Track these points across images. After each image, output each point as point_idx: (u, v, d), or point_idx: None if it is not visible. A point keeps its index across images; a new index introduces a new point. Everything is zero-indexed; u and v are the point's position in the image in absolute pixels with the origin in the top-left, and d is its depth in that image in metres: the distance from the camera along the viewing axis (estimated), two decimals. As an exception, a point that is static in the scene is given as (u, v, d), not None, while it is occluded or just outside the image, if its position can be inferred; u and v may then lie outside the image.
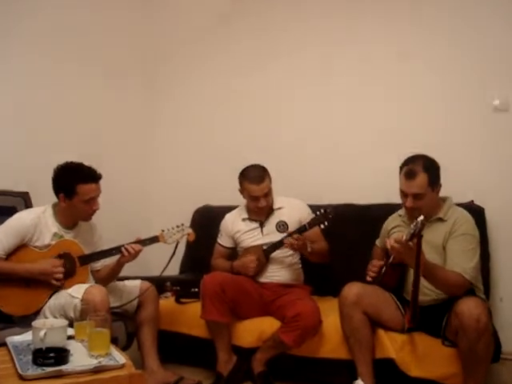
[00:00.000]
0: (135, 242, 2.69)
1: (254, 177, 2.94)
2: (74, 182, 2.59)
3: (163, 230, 2.75)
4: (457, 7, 3.26)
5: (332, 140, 3.61)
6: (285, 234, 2.90)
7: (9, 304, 2.49)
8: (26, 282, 2.51)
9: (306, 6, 3.72)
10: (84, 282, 2.57)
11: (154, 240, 2.72)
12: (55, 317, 2.45)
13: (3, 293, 2.49)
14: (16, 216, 2.64)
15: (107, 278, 2.76)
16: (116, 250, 2.68)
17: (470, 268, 2.36)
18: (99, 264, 2.77)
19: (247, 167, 3.01)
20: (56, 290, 2.54)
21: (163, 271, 2.79)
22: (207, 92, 4.08)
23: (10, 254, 2.55)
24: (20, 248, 2.56)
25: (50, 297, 2.54)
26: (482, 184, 3.13)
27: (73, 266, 2.59)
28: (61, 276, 2.52)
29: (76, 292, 2.43)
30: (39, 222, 2.60)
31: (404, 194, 2.52)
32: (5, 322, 2.44)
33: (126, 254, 2.64)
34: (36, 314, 2.51)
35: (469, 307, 2.20)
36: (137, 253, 2.66)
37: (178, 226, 2.78)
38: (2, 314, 2.48)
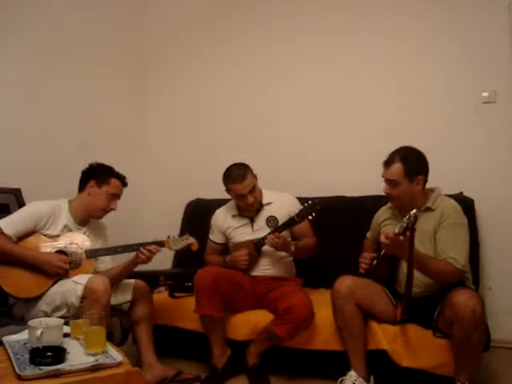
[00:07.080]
0: (145, 244, 2.70)
1: (235, 176, 2.93)
2: (109, 174, 2.78)
3: (169, 237, 2.77)
4: (443, 1, 3.28)
5: (323, 133, 3.63)
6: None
7: (11, 284, 2.51)
8: (31, 267, 2.53)
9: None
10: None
11: (159, 245, 2.72)
12: (55, 305, 2.47)
13: (8, 273, 2.51)
14: (32, 204, 2.71)
15: (117, 277, 2.74)
16: (121, 248, 2.70)
17: (461, 257, 2.40)
18: (104, 265, 2.77)
19: (228, 168, 3.00)
20: (60, 278, 2.56)
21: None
22: (198, 87, 4.09)
23: (20, 238, 2.58)
24: (30, 234, 2.61)
25: (53, 284, 2.55)
26: (471, 175, 3.17)
27: (79, 257, 2.62)
28: (63, 272, 2.54)
29: (80, 279, 2.46)
30: (53, 212, 2.66)
31: (384, 181, 2.59)
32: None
33: (143, 257, 2.66)
34: (36, 299, 2.52)
35: (464, 298, 2.24)
36: (153, 254, 2.69)
37: (181, 235, 2.81)
38: (1, 291, 2.50)
